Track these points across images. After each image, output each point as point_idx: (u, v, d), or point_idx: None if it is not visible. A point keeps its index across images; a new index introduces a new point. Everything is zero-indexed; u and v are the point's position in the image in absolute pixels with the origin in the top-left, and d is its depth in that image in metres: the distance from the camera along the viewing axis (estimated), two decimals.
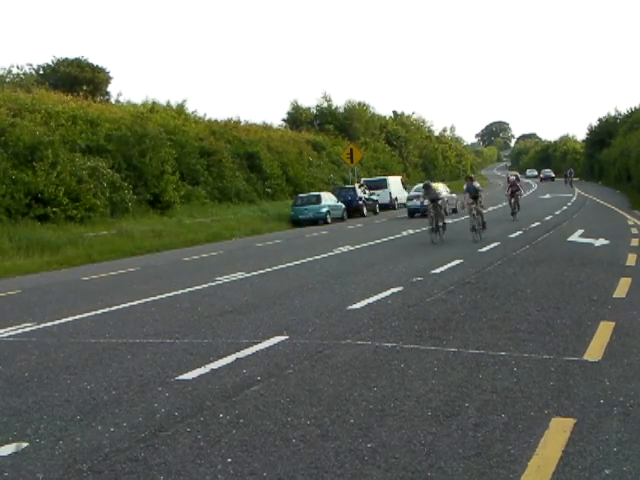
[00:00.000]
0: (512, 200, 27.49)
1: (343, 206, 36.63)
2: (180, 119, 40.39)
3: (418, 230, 24.27)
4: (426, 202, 20.81)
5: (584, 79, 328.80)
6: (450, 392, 5.60)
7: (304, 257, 17.20)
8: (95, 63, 47.53)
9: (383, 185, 44.06)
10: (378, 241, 21.01)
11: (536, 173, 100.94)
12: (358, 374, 6.25)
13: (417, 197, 35.92)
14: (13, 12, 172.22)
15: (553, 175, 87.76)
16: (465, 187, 20.73)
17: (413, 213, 33.94)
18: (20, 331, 9.39)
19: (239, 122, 50.02)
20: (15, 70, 43.39)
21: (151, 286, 13.42)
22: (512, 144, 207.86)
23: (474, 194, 19.96)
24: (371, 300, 10.08)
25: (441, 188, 41.36)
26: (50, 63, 46.72)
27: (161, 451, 4.65)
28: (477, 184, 20.58)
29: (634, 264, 12.95)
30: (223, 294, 11.86)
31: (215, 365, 6.79)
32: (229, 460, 4.44)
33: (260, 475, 4.20)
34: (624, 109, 71.92)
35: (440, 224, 19.62)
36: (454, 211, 34.72)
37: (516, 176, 35.38)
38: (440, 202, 20.99)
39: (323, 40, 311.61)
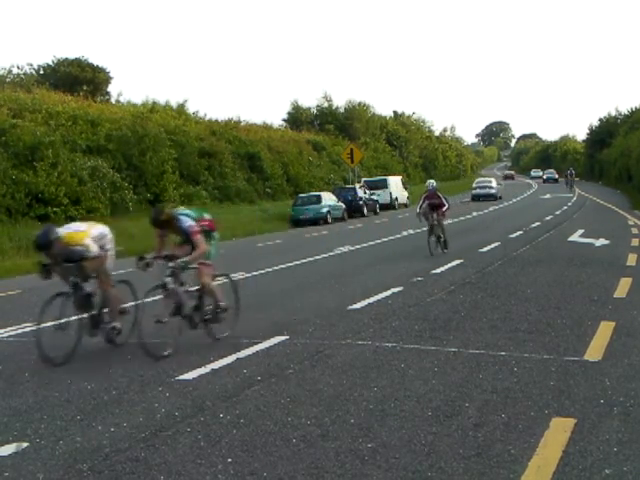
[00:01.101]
0: (430, 221, 16.06)
1: (343, 206, 36.57)
2: (180, 119, 40.38)
3: (418, 230, 24.28)
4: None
5: (584, 79, 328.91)
6: (450, 392, 5.59)
7: (304, 257, 17.19)
8: (95, 63, 47.59)
9: (383, 185, 44.03)
10: (378, 241, 21.00)
11: (541, 173, 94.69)
12: (358, 374, 6.25)
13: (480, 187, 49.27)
14: (13, 12, 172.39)
15: (556, 176, 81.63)
16: None
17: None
18: (20, 331, 9.38)
19: (239, 122, 50.02)
20: (15, 70, 43.42)
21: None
22: (512, 144, 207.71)
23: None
24: (371, 300, 10.07)
25: (493, 182, 48.12)
26: (50, 63, 46.75)
27: (161, 451, 4.64)
28: None
29: (634, 264, 12.95)
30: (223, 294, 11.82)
31: (215, 365, 6.79)
32: (229, 460, 4.44)
33: (260, 475, 4.20)
34: (625, 109, 71.87)
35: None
36: (499, 197, 46.50)
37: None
38: None
39: (323, 40, 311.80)
